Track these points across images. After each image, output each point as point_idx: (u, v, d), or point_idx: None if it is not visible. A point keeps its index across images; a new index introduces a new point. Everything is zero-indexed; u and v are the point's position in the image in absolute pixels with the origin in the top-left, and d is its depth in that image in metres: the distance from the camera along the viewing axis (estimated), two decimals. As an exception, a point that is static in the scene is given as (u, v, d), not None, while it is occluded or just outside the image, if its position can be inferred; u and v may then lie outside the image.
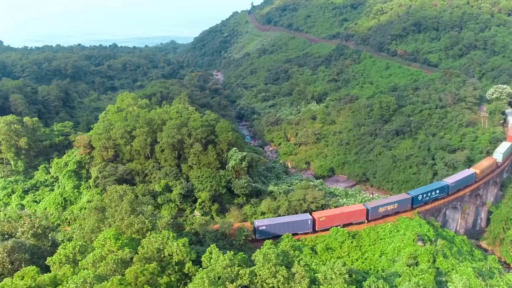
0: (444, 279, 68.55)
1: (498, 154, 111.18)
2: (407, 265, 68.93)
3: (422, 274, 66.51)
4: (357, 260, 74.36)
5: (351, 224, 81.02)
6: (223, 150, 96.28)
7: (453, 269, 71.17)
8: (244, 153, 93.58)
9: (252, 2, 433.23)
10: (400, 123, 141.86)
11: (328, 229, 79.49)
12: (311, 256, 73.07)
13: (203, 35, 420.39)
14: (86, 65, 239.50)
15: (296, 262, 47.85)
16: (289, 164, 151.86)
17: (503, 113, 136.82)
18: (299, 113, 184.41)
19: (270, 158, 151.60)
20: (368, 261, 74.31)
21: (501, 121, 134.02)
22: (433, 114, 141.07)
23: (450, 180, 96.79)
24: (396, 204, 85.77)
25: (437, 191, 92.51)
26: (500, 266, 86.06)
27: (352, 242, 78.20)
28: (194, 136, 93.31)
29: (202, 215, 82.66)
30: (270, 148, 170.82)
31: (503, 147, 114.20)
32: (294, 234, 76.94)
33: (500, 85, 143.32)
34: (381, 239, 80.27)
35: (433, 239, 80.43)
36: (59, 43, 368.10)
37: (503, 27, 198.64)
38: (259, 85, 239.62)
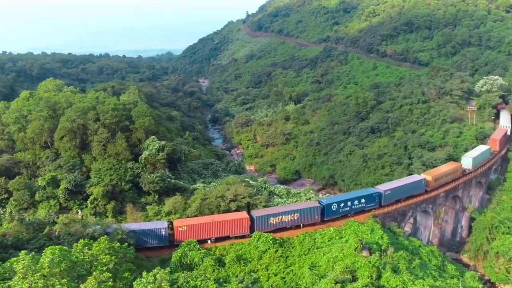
0: (386, 301, 50.18)
1: (467, 159, 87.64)
2: (336, 282, 50.44)
3: (353, 295, 48.28)
4: (275, 275, 55.90)
5: (228, 237, 61.21)
6: (140, 140, 79.35)
7: (403, 287, 52.53)
8: (163, 142, 76.52)
9: (247, 11, 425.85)
10: (377, 120, 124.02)
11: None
12: (214, 269, 55.02)
13: (195, 44, 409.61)
14: (57, 67, 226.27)
15: (96, 273, 30.18)
16: (252, 168, 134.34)
17: (495, 107, 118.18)
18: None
19: (235, 161, 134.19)
20: (291, 276, 55.78)
21: (492, 116, 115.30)
22: (414, 109, 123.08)
23: (384, 187, 74.71)
24: (297, 214, 64.78)
25: (362, 201, 70.73)
26: (480, 286, 66.58)
27: (277, 251, 60.04)
28: (102, 121, 76.61)
29: (94, 215, 65.35)
30: (237, 151, 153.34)
31: (476, 151, 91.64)
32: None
33: (491, 76, 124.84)
34: (317, 248, 61.95)
35: (386, 249, 61.90)
36: (47, 51, 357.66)
37: (500, 22, 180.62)
38: (240, 89, 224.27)
